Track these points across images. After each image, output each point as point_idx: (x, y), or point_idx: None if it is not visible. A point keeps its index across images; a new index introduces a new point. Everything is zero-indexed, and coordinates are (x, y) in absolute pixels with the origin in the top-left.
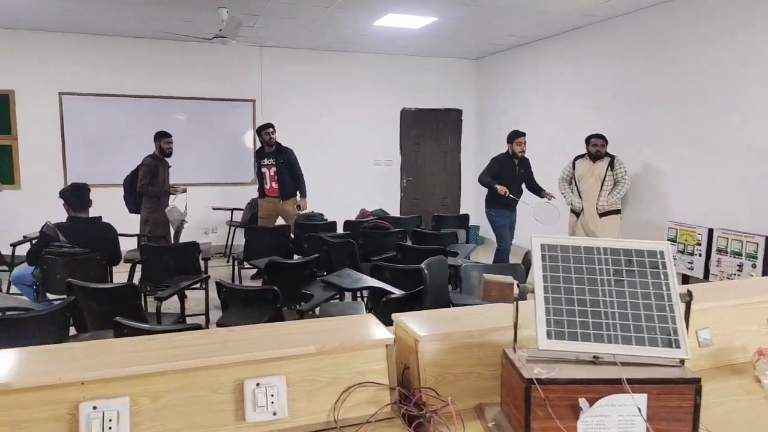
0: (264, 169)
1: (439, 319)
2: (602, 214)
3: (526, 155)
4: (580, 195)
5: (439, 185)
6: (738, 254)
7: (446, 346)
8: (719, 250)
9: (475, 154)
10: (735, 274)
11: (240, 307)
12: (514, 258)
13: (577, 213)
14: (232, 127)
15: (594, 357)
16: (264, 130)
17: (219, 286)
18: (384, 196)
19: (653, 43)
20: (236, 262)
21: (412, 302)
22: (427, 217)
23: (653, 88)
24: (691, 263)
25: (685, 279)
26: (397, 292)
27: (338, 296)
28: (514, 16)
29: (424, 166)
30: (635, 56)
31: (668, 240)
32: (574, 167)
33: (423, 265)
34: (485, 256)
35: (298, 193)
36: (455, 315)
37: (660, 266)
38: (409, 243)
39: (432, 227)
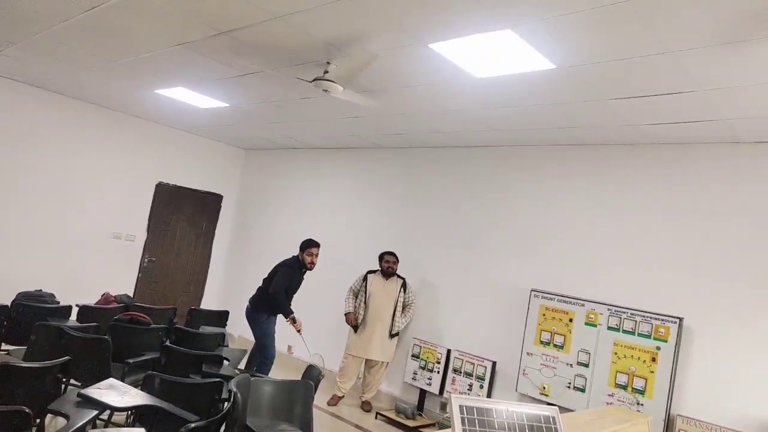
0: None
1: None
2: (392, 335)
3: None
4: (366, 310)
5: (184, 271)
6: (470, 375)
7: None
8: (455, 370)
9: (228, 244)
10: (465, 392)
11: None
12: (281, 369)
13: (356, 328)
14: None
15: None
16: None
17: None
18: (119, 274)
19: (424, 182)
20: None
21: (209, 430)
22: (164, 302)
23: (417, 221)
24: (430, 379)
25: (423, 393)
26: (189, 416)
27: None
28: (304, 122)
29: (172, 248)
30: (410, 188)
31: (412, 356)
32: (365, 280)
33: (233, 385)
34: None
35: None
36: None
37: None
38: (167, 342)
39: (186, 322)
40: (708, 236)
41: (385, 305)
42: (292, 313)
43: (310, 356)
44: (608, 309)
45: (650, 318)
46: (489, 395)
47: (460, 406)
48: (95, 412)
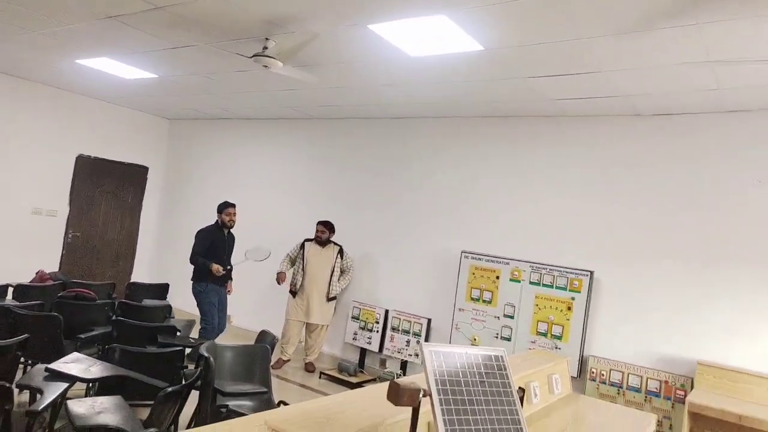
0: None
1: (322, 417)
2: (329, 299)
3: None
4: (304, 275)
5: (112, 245)
6: (407, 332)
7: None
8: (393, 328)
9: (157, 216)
10: (404, 348)
11: None
12: (233, 337)
13: (294, 293)
14: None
15: None
16: None
17: None
18: (42, 251)
19: (361, 151)
20: None
21: (180, 395)
22: (91, 277)
23: (353, 190)
24: (370, 339)
25: (363, 352)
26: (158, 383)
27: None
28: (236, 94)
29: (98, 222)
30: (344, 157)
31: (352, 318)
32: (303, 248)
33: (204, 351)
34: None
35: None
36: (327, 414)
37: (503, 368)
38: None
39: (126, 296)
40: (613, 199)
41: (321, 271)
42: (210, 263)
43: (246, 257)
44: (530, 266)
45: (566, 272)
46: None
47: (430, 351)
48: (66, 385)
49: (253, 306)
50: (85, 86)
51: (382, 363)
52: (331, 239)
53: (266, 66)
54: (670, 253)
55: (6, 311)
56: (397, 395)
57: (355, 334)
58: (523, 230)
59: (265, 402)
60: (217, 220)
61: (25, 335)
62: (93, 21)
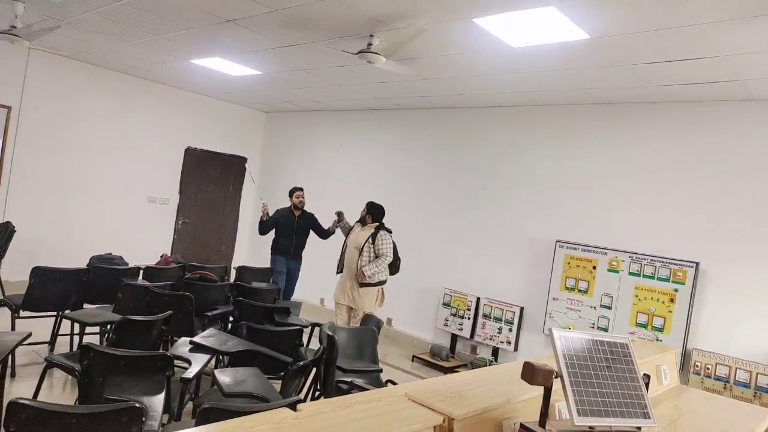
0: None
1: (453, 393)
2: (361, 285)
3: (310, 210)
4: (342, 256)
5: (215, 231)
6: (499, 319)
7: (477, 422)
8: (485, 315)
9: (254, 204)
10: (495, 335)
11: (117, 377)
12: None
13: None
14: None
15: (590, 427)
16: None
17: (85, 350)
18: (156, 235)
19: (445, 139)
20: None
21: (306, 370)
22: (199, 261)
23: (444, 178)
24: (461, 325)
25: (454, 338)
26: (285, 358)
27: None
28: (333, 88)
29: (204, 210)
30: (434, 146)
31: (443, 305)
32: (351, 230)
33: (328, 329)
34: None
35: None
36: (457, 390)
37: (629, 355)
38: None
39: (236, 279)
40: (720, 188)
41: (351, 253)
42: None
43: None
44: (629, 256)
45: (669, 263)
46: (518, 337)
47: (560, 336)
48: (208, 357)
49: (328, 285)
50: (193, 83)
51: (473, 349)
52: (381, 222)
53: (370, 62)
54: None
55: (145, 290)
56: (532, 375)
57: (446, 320)
58: (621, 220)
59: (374, 379)
60: (291, 204)
61: (169, 312)
62: (212, 24)
